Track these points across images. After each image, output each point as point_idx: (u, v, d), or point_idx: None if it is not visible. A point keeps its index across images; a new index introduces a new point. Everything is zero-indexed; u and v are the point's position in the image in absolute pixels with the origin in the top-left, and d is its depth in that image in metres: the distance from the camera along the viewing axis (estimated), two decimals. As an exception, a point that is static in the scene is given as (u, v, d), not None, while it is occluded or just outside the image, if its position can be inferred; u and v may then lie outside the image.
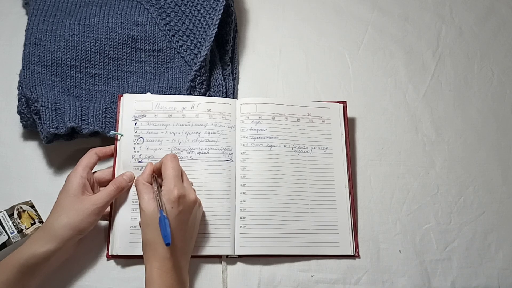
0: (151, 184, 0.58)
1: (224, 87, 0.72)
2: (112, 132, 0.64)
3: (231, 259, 0.63)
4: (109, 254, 0.61)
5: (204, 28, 0.71)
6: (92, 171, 0.61)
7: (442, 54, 0.79)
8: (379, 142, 0.72)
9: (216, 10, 0.71)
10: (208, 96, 0.70)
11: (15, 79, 0.68)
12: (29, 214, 0.61)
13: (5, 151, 0.69)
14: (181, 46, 0.72)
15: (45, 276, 0.57)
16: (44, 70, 0.68)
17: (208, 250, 0.61)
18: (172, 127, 0.66)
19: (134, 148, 0.64)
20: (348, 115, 0.70)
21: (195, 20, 0.72)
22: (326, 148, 0.68)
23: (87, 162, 0.60)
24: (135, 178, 0.60)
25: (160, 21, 0.73)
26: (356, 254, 0.64)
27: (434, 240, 0.66)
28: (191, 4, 0.73)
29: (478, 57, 0.80)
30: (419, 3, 0.84)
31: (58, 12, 0.72)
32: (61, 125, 0.64)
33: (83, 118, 0.65)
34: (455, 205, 0.69)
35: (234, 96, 0.74)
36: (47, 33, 0.70)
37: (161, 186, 0.57)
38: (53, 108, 0.64)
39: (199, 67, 0.69)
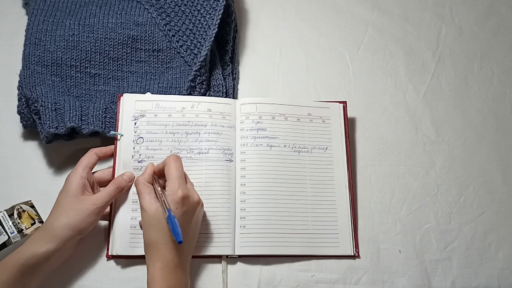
0: (152, 185, 0.58)
1: (224, 87, 0.72)
2: (112, 132, 0.64)
3: (231, 259, 0.63)
4: (109, 254, 0.61)
5: (204, 28, 0.71)
6: (92, 171, 0.61)
7: (442, 54, 0.79)
8: (379, 142, 0.72)
9: (216, 10, 0.71)
10: (208, 96, 0.70)
11: (15, 79, 0.68)
12: (29, 214, 0.61)
13: (5, 151, 0.69)
14: (181, 46, 0.72)
15: (45, 276, 0.57)
16: (44, 70, 0.68)
17: (209, 250, 0.61)
18: (172, 127, 0.66)
19: (134, 148, 0.64)
20: (348, 115, 0.70)
21: (195, 20, 0.72)
22: (326, 148, 0.68)
23: (87, 162, 0.60)
24: (135, 178, 0.60)
25: (160, 21, 0.73)
26: (356, 254, 0.64)
27: (434, 240, 0.66)
28: (191, 4, 0.73)
29: (478, 57, 0.80)
30: (419, 3, 0.84)
31: (58, 12, 0.72)
32: (61, 125, 0.64)
33: (83, 118, 0.65)
34: (455, 205, 0.69)
35: (234, 96, 0.74)
36: (47, 33, 0.70)
37: (163, 187, 0.57)
38: (53, 108, 0.64)
39: (199, 67, 0.69)
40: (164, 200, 0.54)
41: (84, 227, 0.56)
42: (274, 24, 0.81)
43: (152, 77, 0.72)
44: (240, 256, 0.62)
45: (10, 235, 0.58)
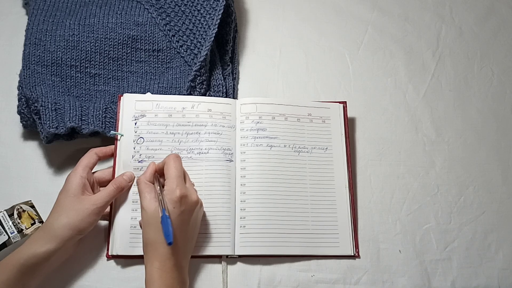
0: (153, 184, 0.58)
1: (224, 87, 0.72)
2: (112, 132, 0.64)
3: (231, 259, 0.63)
4: (109, 254, 0.61)
5: (204, 28, 0.71)
6: (92, 171, 0.61)
7: (442, 54, 0.79)
8: (379, 142, 0.72)
9: (216, 10, 0.71)
10: (208, 96, 0.70)
11: (15, 79, 0.68)
12: (29, 214, 0.61)
13: (5, 151, 0.69)
14: (181, 46, 0.72)
15: (45, 276, 0.57)
16: (44, 70, 0.68)
17: (208, 250, 0.61)
18: (172, 127, 0.66)
19: (134, 148, 0.64)
20: (348, 115, 0.70)
21: (195, 20, 0.72)
22: (326, 148, 0.68)
23: (87, 162, 0.60)
24: (137, 178, 0.60)
25: (160, 21, 0.73)
26: (356, 254, 0.64)
27: (434, 240, 0.66)
28: (191, 4, 0.73)
29: (478, 57, 0.80)
30: (419, 3, 0.84)
31: (58, 12, 0.72)
32: (61, 125, 0.64)
33: (83, 118, 0.65)
34: (455, 205, 0.69)
35: (234, 96, 0.74)
36: (47, 33, 0.70)
37: (163, 186, 0.57)
38: (53, 108, 0.64)
39: (199, 67, 0.69)
40: (161, 199, 0.55)
41: (84, 227, 0.56)
42: (274, 24, 0.81)
43: (152, 77, 0.72)
44: (240, 256, 0.62)
45: (10, 235, 0.58)
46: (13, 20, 0.77)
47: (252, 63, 0.77)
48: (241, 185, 0.64)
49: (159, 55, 0.73)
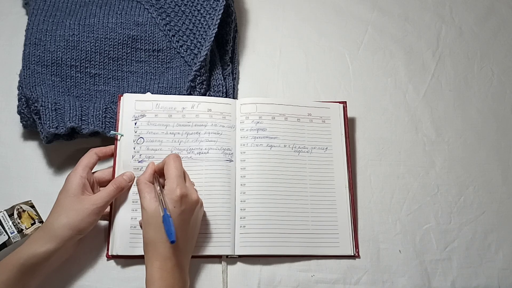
0: (153, 184, 0.58)
1: (224, 87, 0.72)
2: (112, 132, 0.64)
3: (231, 259, 0.63)
4: (109, 254, 0.61)
5: (204, 28, 0.71)
6: (92, 171, 0.61)
7: (442, 54, 0.80)
8: (379, 142, 0.72)
9: (216, 10, 0.71)
10: (208, 96, 0.70)
11: (15, 79, 0.68)
12: (29, 214, 0.61)
13: (5, 151, 0.69)
14: (181, 46, 0.72)
15: (45, 276, 0.57)
16: (44, 70, 0.68)
17: (208, 250, 0.61)
18: (172, 127, 0.66)
19: (134, 148, 0.64)
20: (348, 115, 0.70)
21: (195, 20, 0.72)
22: (326, 148, 0.68)
23: (87, 162, 0.60)
24: (137, 178, 0.60)
25: (160, 21, 0.73)
26: (356, 254, 0.64)
27: (434, 240, 0.66)
28: (191, 4, 0.73)
29: (478, 57, 0.80)
30: (419, 3, 0.84)
31: (58, 12, 0.72)
32: (61, 125, 0.64)
33: (83, 118, 0.65)
34: (455, 205, 0.69)
35: (234, 96, 0.74)
36: (47, 33, 0.70)
37: (163, 186, 0.57)
38: (53, 108, 0.64)
39: (199, 67, 0.69)
40: (161, 199, 0.55)
41: (84, 227, 0.56)
42: (274, 24, 0.81)
43: (152, 77, 0.72)
44: (240, 256, 0.62)
45: (10, 235, 0.58)
46: (13, 20, 0.77)
47: (252, 63, 0.77)
48: (241, 185, 0.64)
49: (159, 55, 0.73)
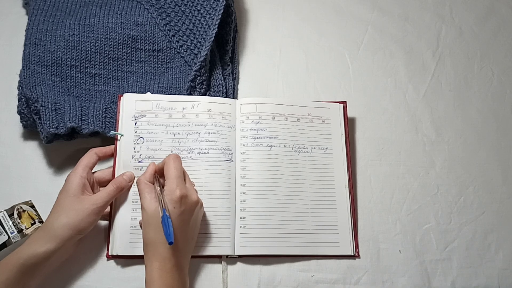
0: (153, 184, 0.58)
1: (224, 87, 0.72)
2: (112, 132, 0.64)
3: (231, 259, 0.63)
4: (109, 254, 0.61)
5: (204, 28, 0.71)
6: (92, 171, 0.61)
7: (442, 54, 0.80)
8: (379, 142, 0.72)
9: (216, 10, 0.71)
10: (208, 96, 0.70)
11: (15, 79, 0.68)
12: (29, 214, 0.61)
13: (5, 151, 0.69)
14: (181, 46, 0.72)
15: (45, 276, 0.57)
16: (44, 70, 0.68)
17: (208, 250, 0.61)
18: (172, 127, 0.66)
19: (134, 148, 0.64)
20: (348, 115, 0.70)
21: (195, 20, 0.73)
22: (326, 148, 0.68)
23: (87, 162, 0.60)
24: (137, 178, 0.60)
25: (160, 21, 0.73)
26: (356, 254, 0.64)
27: (434, 240, 0.66)
28: (191, 4, 0.73)
29: (478, 57, 0.80)
30: (419, 3, 0.84)
31: (58, 12, 0.72)
32: (61, 125, 0.64)
33: (83, 118, 0.65)
34: (455, 205, 0.69)
35: (234, 96, 0.74)
36: (47, 33, 0.70)
37: (163, 186, 0.57)
38: (53, 108, 0.64)
39: (199, 67, 0.69)
40: (161, 200, 0.55)
41: (84, 227, 0.56)
42: (274, 24, 0.81)
43: (152, 77, 0.72)
44: (240, 256, 0.62)
45: (10, 235, 0.58)
46: (13, 20, 0.77)
47: (252, 63, 0.77)
48: (241, 185, 0.64)
49: (159, 55, 0.73)
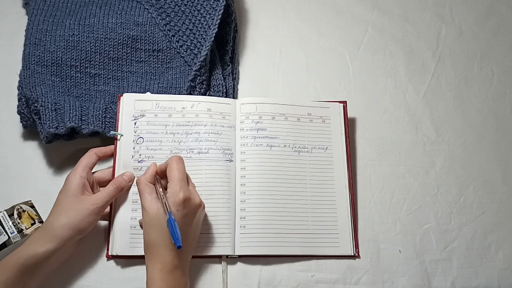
0: (154, 185, 0.58)
1: (224, 87, 0.72)
2: (112, 132, 0.64)
3: (231, 259, 0.63)
4: (109, 254, 0.61)
5: (204, 28, 0.71)
6: (92, 171, 0.61)
7: (442, 54, 0.80)
8: (379, 142, 0.72)
9: (216, 10, 0.71)
10: (208, 96, 0.70)
11: (15, 79, 0.68)
12: (29, 214, 0.61)
13: (5, 151, 0.69)
14: (181, 46, 0.72)
15: (45, 276, 0.57)
16: (44, 70, 0.68)
17: (208, 250, 0.61)
18: (172, 127, 0.66)
19: (134, 148, 0.64)
20: (348, 115, 0.70)
21: (195, 20, 0.73)
22: (326, 148, 0.68)
23: (86, 162, 0.60)
24: (137, 178, 0.60)
25: (160, 21, 0.73)
26: (356, 254, 0.64)
27: (434, 240, 0.66)
28: (191, 4, 0.73)
29: (478, 57, 0.80)
30: (419, 3, 0.84)
31: (58, 12, 0.72)
32: (61, 125, 0.64)
33: (83, 118, 0.65)
34: (455, 205, 0.69)
35: (234, 96, 0.74)
36: (47, 33, 0.70)
37: (165, 188, 0.57)
38: (53, 108, 0.64)
39: (199, 67, 0.69)
40: (165, 202, 0.54)
41: (84, 227, 0.56)
42: (274, 24, 0.81)
43: (152, 77, 0.72)
44: (240, 256, 0.62)
45: (10, 235, 0.58)
46: (13, 20, 0.77)
47: (252, 63, 0.77)
48: (241, 185, 0.64)
49: (159, 55, 0.73)
